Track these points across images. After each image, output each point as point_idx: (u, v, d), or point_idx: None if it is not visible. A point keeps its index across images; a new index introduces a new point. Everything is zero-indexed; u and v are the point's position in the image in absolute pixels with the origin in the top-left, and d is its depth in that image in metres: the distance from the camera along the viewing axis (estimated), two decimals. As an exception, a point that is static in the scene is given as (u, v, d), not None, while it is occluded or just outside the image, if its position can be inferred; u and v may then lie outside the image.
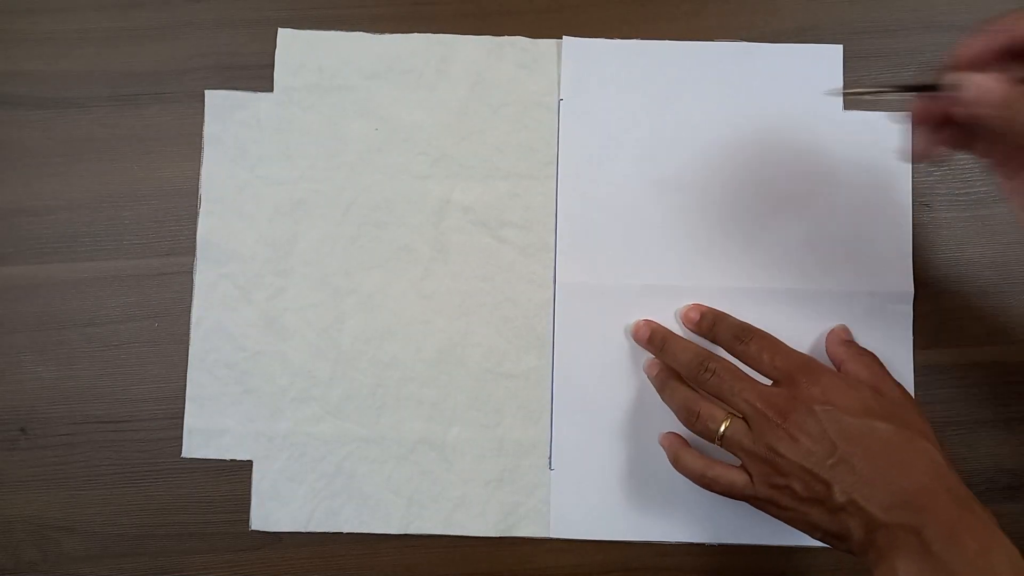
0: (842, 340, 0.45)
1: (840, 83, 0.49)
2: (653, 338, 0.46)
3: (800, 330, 0.46)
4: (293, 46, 0.49)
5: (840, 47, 0.49)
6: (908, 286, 0.47)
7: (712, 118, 0.48)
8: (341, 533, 0.46)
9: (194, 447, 0.47)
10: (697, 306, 0.46)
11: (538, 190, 0.48)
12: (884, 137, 0.48)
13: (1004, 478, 0.47)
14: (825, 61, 0.49)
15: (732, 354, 0.43)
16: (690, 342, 0.45)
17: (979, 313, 0.47)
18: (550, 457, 0.47)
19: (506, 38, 0.49)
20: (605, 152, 0.48)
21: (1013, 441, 0.47)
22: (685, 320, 0.46)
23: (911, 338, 0.47)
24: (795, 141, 0.48)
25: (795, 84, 0.48)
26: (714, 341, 0.45)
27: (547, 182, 0.48)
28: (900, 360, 0.47)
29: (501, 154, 0.48)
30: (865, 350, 0.44)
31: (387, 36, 0.49)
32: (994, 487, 0.47)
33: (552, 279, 0.48)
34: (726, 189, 0.48)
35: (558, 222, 0.48)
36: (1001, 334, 0.47)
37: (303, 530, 0.46)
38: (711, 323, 0.45)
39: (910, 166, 0.48)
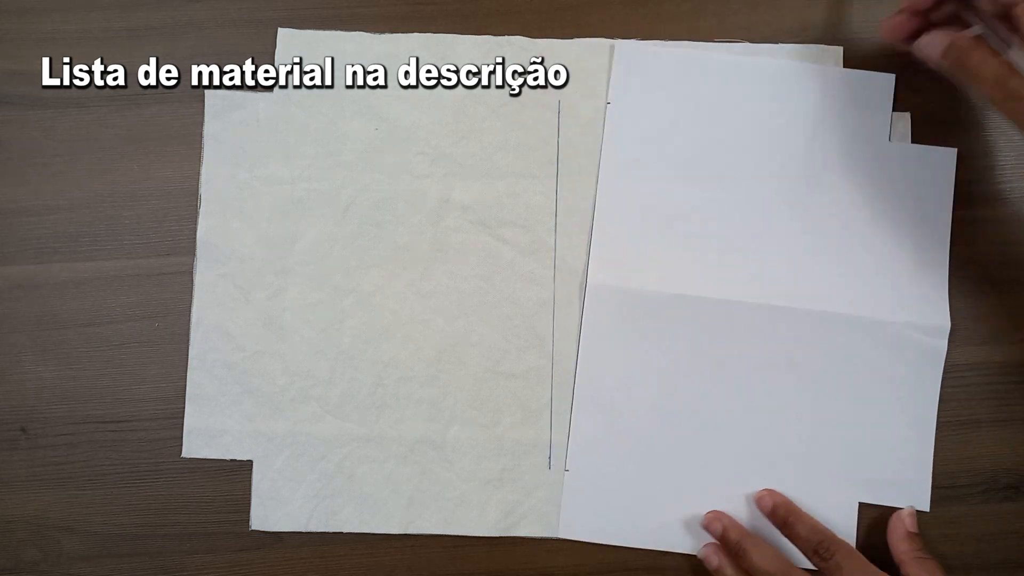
0: (907, 534, 0.44)
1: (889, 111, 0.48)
2: (727, 536, 0.45)
3: (831, 355, 0.46)
4: (293, 45, 0.49)
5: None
6: (945, 320, 0.46)
7: (757, 135, 0.48)
8: (341, 533, 0.46)
9: (194, 447, 0.47)
10: (771, 493, 0.46)
11: (538, 189, 0.48)
12: (927, 169, 0.48)
13: (1004, 478, 0.47)
14: (876, 88, 0.48)
15: (810, 562, 0.44)
16: (770, 549, 0.44)
17: (979, 313, 0.47)
18: (550, 457, 0.47)
19: (506, 38, 0.49)
20: (646, 158, 0.48)
21: (1013, 441, 0.47)
22: (758, 504, 0.46)
23: (941, 374, 0.46)
24: (838, 166, 0.47)
25: (844, 109, 0.48)
26: (788, 537, 0.45)
27: (547, 181, 0.48)
28: (927, 393, 0.46)
29: (500, 153, 0.48)
30: (927, 553, 0.44)
31: (387, 36, 0.49)
32: (994, 487, 0.47)
33: (552, 278, 0.48)
34: (766, 206, 0.47)
35: (594, 225, 0.47)
36: (1001, 334, 0.47)
37: (303, 530, 0.46)
38: (784, 518, 0.45)
39: (951, 201, 0.47)
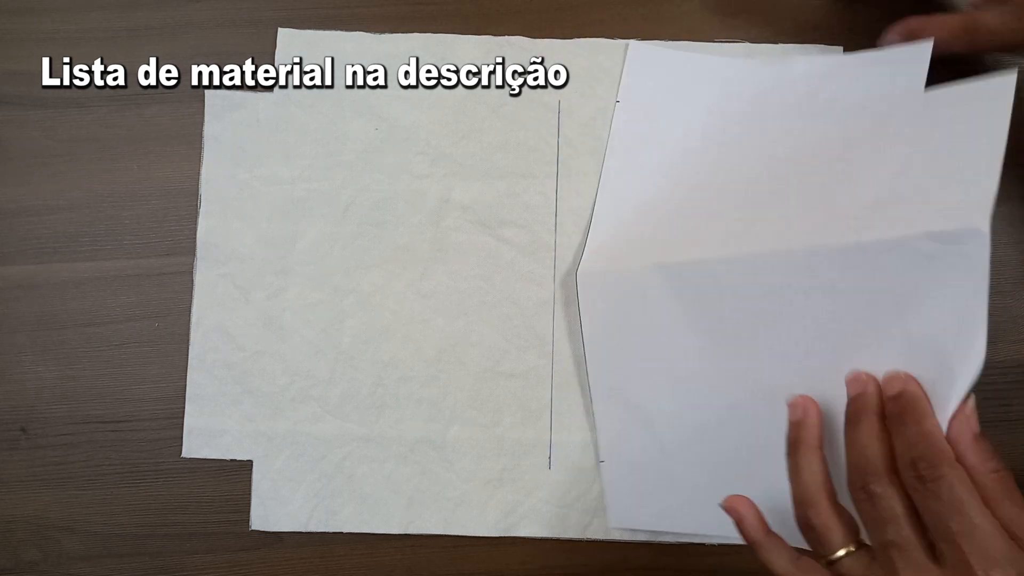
0: (974, 438, 0.33)
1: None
2: (853, 404, 0.35)
3: (857, 290, 0.38)
4: (293, 45, 0.49)
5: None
6: (974, 223, 0.35)
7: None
8: (341, 533, 0.46)
9: (194, 447, 0.47)
10: (908, 380, 0.35)
11: (537, 189, 0.48)
12: (977, 105, 0.38)
13: (1004, 478, 0.47)
14: (910, 59, 0.43)
15: (901, 476, 0.32)
16: (882, 440, 0.33)
17: (979, 313, 0.47)
18: (550, 457, 0.47)
19: (506, 38, 0.49)
20: (651, 157, 0.47)
21: (1013, 441, 0.47)
22: (886, 385, 0.35)
23: (987, 283, 0.35)
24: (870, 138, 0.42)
25: (872, 88, 0.44)
26: (893, 435, 0.34)
27: (546, 181, 0.48)
28: (974, 310, 0.35)
29: (500, 153, 0.48)
30: (1002, 464, 0.33)
31: (386, 36, 0.49)
32: (994, 487, 0.46)
33: (552, 278, 0.48)
34: (773, 183, 0.44)
35: (593, 220, 0.47)
36: (1001, 334, 0.47)
37: (303, 530, 0.46)
38: (900, 413, 0.34)
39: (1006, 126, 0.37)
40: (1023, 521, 0.30)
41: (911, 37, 0.44)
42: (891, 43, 0.44)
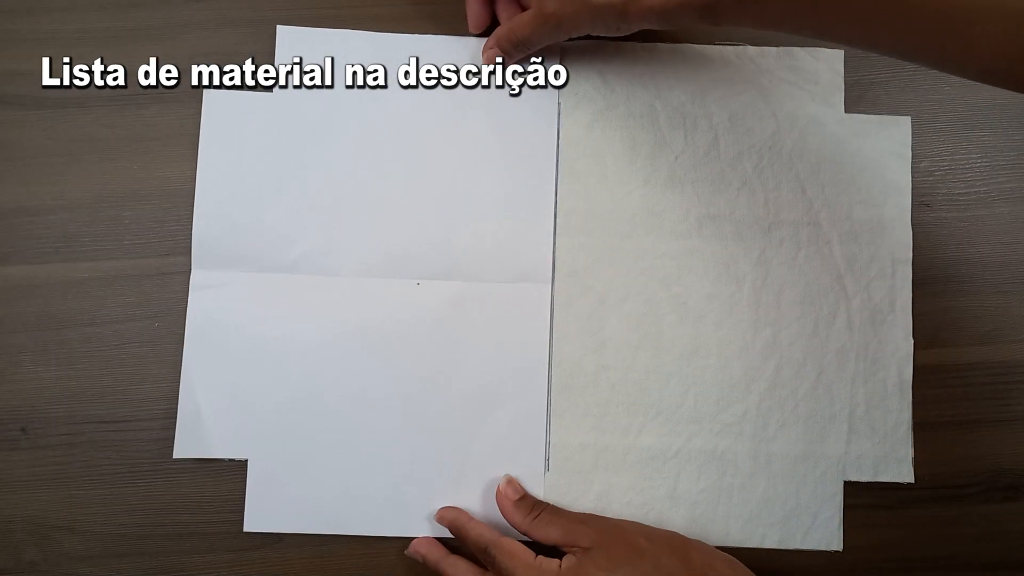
0: (514, 504, 0.44)
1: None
2: (426, 558, 0.45)
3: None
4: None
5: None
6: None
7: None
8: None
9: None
10: (449, 511, 0.45)
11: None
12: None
13: (1004, 478, 0.47)
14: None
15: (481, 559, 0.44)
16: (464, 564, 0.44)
17: (979, 313, 0.47)
18: (548, 459, 0.47)
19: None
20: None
21: (1013, 441, 0.47)
22: (439, 522, 0.46)
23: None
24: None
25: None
26: (463, 543, 0.45)
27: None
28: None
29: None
30: (539, 508, 0.44)
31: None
32: (994, 487, 0.47)
33: (549, 279, 0.47)
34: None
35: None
36: (1001, 334, 0.47)
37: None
38: (457, 530, 0.45)
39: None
40: (572, 528, 0.43)
41: (510, 46, 0.46)
42: (497, 57, 0.47)
